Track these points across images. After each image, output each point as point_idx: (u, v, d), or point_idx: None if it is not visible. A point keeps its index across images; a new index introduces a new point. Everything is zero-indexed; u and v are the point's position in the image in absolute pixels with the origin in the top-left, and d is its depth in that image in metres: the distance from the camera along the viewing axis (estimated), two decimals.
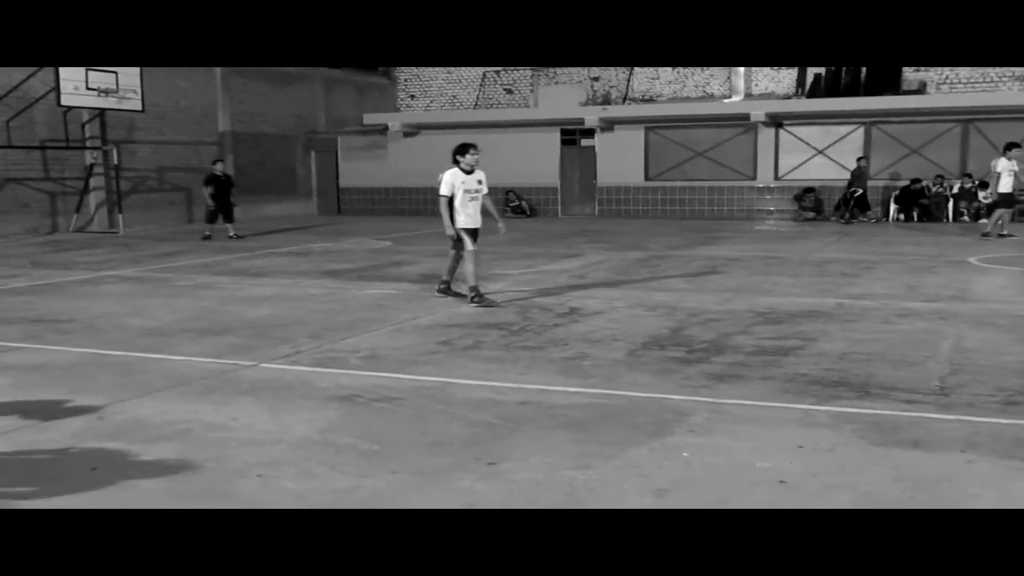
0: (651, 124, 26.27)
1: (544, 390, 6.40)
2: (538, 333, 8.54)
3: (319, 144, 29.77)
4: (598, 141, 26.55)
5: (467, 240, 10.30)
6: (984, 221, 18.05)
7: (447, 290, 10.74)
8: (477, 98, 31.40)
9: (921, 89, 25.82)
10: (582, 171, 26.91)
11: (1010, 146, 18.36)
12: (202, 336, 8.54)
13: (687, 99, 28.64)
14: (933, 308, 9.68)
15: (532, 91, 30.38)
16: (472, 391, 6.40)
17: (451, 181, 10.27)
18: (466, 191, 10.28)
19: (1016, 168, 17.88)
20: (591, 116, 26.32)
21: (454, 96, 31.90)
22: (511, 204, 27.09)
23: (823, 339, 8.09)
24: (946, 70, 25.92)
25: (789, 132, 25.12)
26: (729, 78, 28.30)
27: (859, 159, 23.34)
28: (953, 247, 16.44)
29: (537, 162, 27.39)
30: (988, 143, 22.88)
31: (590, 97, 29.19)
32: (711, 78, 28.73)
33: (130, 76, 21.54)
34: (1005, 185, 18.00)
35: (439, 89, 32.11)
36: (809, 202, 24.67)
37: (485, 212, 10.54)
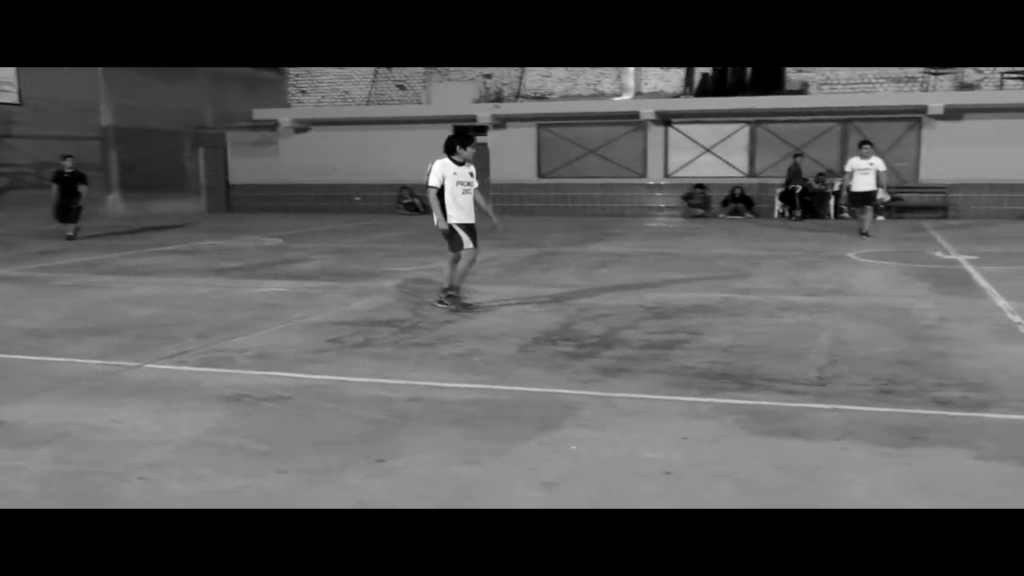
0: (543, 122, 26.49)
1: (435, 387, 6.41)
2: (429, 330, 8.54)
3: (208, 140, 29.19)
4: (491, 138, 26.63)
5: (464, 238, 9.59)
6: (863, 217, 18.35)
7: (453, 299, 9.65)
8: (369, 94, 31.18)
9: (803, 89, 26.58)
10: (476, 168, 26.96)
11: (862, 144, 18.39)
12: (84, 337, 8.31)
13: (578, 97, 28.93)
14: (814, 302, 9.99)
15: (425, 87, 30.29)
16: (362, 389, 6.37)
17: (440, 171, 9.51)
18: (458, 182, 9.54)
19: (871, 166, 17.71)
20: (484, 113, 26.40)
21: (346, 92, 31.62)
22: (404, 201, 27.01)
23: (709, 333, 8.28)
24: (827, 71, 26.72)
25: (678, 130, 25.61)
26: (619, 76, 28.67)
27: (795, 156, 23.89)
28: (834, 243, 16.99)
29: (429, 159, 27.24)
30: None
31: (483, 94, 29.26)
32: (602, 76, 29.05)
33: (4, 68, 20.77)
34: (858, 184, 17.85)
35: (330, 85, 31.78)
36: (698, 199, 25.19)
37: (479, 208, 9.86)
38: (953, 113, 23.32)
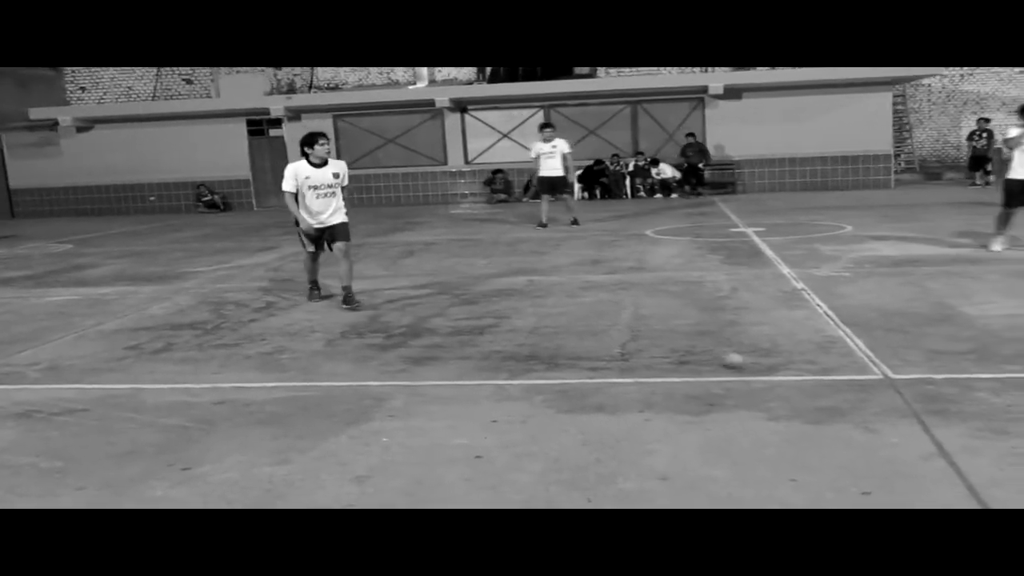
0: (339, 112, 26.14)
1: (240, 387, 6.26)
2: (233, 330, 8.33)
3: None
4: (286, 131, 26.10)
5: (304, 241, 9.46)
6: (544, 207, 17.13)
7: (348, 299, 9.21)
8: (154, 89, 29.99)
9: (592, 73, 27.25)
10: (273, 162, 26.35)
11: (543, 127, 17.50)
12: None
13: (373, 86, 28.73)
14: (614, 280, 10.30)
15: (213, 81, 29.37)
16: (163, 395, 6.15)
17: (293, 175, 9.18)
18: (313, 187, 9.15)
19: (554, 148, 16.84)
20: (276, 106, 25.80)
21: (129, 88, 30.27)
22: (203, 199, 26.18)
23: (515, 316, 8.41)
24: None
25: (474, 117, 25.81)
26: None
27: (688, 135, 24.26)
28: (631, 221, 17.53)
29: (224, 154, 26.62)
30: (655, 123, 24.63)
31: (274, 86, 28.63)
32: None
33: None
34: (545, 168, 16.96)
35: (112, 80, 30.35)
36: (500, 184, 25.49)
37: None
38: (732, 92, 24.43)
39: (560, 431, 5.04)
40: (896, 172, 25.19)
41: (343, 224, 9.39)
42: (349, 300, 9.17)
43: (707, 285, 9.67)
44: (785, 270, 10.38)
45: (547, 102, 25.49)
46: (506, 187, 25.57)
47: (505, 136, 25.84)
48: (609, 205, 22.56)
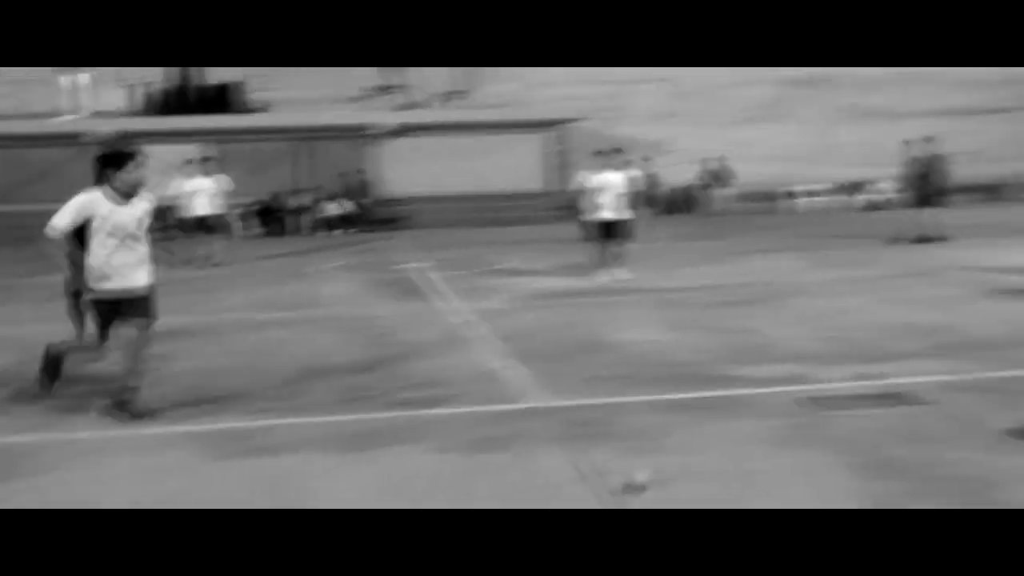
0: None
1: None
2: None
3: None
4: None
5: (90, 322, 6.35)
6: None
7: (122, 404, 6.15)
8: None
9: (265, 108, 26.86)
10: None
11: (187, 163, 16.82)
12: None
13: (27, 116, 26.70)
14: (285, 317, 10.21)
15: None
16: None
17: (77, 210, 5.99)
18: (110, 234, 6.04)
19: (213, 184, 16.30)
20: None
21: None
22: None
23: (183, 357, 8.08)
24: (290, 90, 27.25)
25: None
26: (67, 95, 26.79)
27: (356, 171, 23.70)
28: (300, 258, 17.38)
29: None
30: (323, 160, 24.68)
31: None
32: (57, 94, 26.99)
33: None
34: (195, 206, 16.20)
35: None
36: (169, 221, 24.44)
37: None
38: (401, 131, 24.94)
39: (221, 477, 4.87)
40: (554, 209, 26.59)
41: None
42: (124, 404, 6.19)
43: (376, 320, 9.75)
44: (452, 304, 10.67)
45: (212, 136, 24.80)
46: (176, 224, 24.58)
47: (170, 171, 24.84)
48: (277, 242, 22.24)
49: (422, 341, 8.55)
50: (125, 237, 6.09)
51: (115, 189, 6.05)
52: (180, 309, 11.02)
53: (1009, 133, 31.26)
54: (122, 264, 6.09)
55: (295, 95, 27.46)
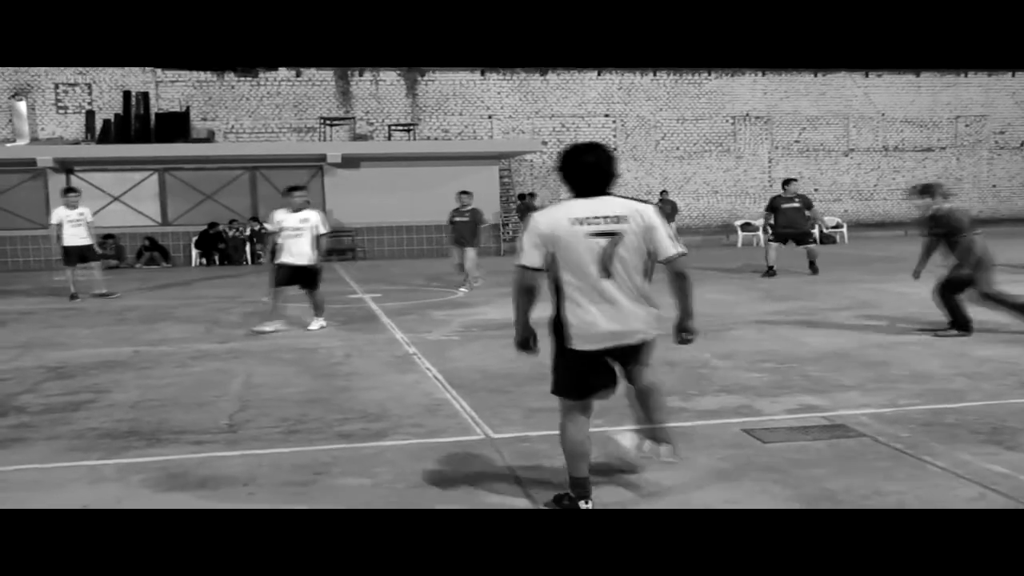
0: None
1: None
2: None
3: None
4: None
5: None
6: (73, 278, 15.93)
7: None
8: None
9: (210, 137, 26.69)
10: None
11: (67, 191, 16.29)
12: None
13: None
14: (227, 348, 10.03)
15: None
16: None
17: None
18: None
19: (80, 217, 15.75)
20: None
21: None
22: None
23: (117, 389, 7.94)
24: (232, 120, 27.12)
25: (81, 178, 24.32)
26: (12, 121, 26.51)
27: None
28: (250, 288, 17.20)
29: None
30: (274, 189, 24.48)
31: None
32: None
33: None
34: (69, 237, 15.61)
35: None
36: (110, 249, 24.12)
37: None
38: (351, 161, 24.91)
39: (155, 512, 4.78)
40: (506, 241, 26.68)
41: None
42: None
43: (321, 351, 9.67)
44: (399, 335, 10.63)
45: (162, 165, 24.61)
46: (118, 252, 24.28)
47: (116, 199, 24.59)
48: (228, 271, 22.04)
49: (367, 372, 8.49)
50: None
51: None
52: (121, 339, 10.90)
53: (940, 170, 32.12)
54: None
55: (239, 125, 27.35)
